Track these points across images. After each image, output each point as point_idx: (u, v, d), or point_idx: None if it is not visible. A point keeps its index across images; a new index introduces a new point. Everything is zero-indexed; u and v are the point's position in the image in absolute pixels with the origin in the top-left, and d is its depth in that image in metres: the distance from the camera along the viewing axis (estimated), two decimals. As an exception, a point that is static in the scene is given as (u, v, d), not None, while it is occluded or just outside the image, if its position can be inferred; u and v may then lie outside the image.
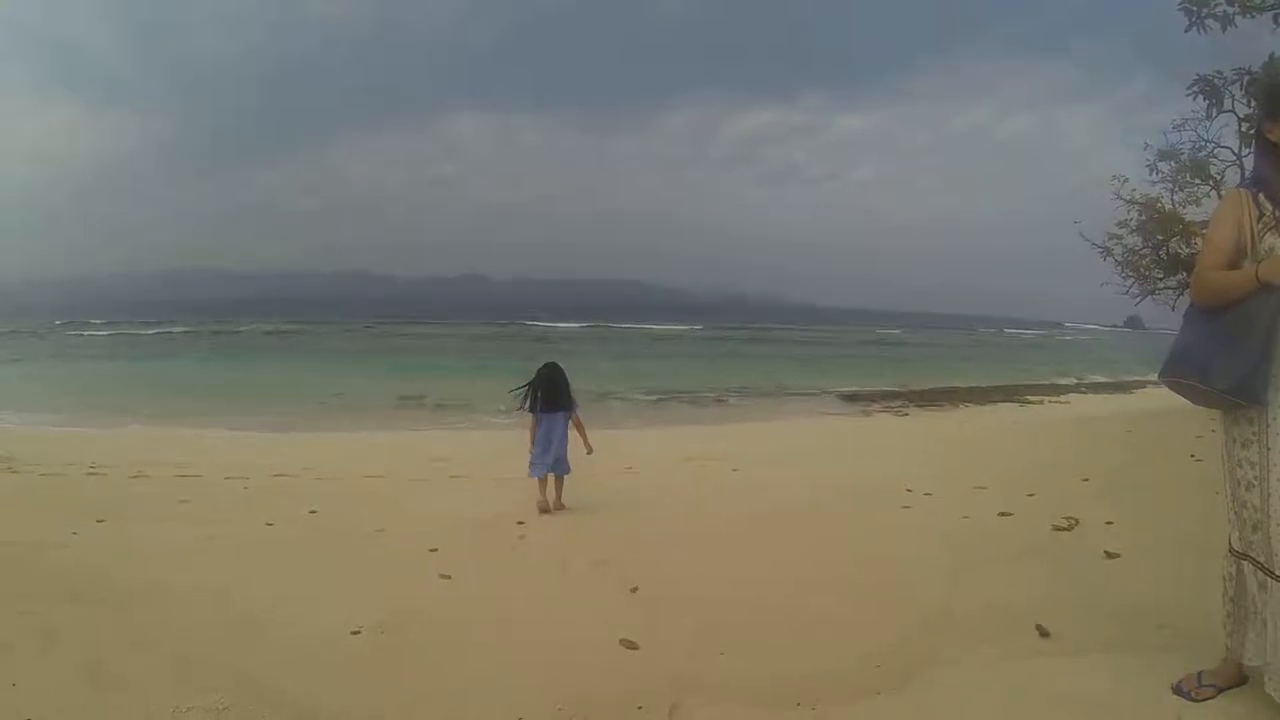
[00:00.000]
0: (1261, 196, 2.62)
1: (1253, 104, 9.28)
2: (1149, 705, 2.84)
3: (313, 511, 6.32)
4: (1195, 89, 10.70)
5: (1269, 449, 2.56)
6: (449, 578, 4.61)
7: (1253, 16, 8.97)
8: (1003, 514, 5.97)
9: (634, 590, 4.37)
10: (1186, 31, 9.13)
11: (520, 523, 6.03)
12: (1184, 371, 2.67)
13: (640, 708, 2.97)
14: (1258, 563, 2.65)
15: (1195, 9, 9.07)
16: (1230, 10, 8.97)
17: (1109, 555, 4.76)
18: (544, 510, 6.46)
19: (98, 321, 51.87)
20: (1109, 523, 5.51)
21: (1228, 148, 14.48)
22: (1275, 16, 8.84)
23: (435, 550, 5.17)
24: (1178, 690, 2.87)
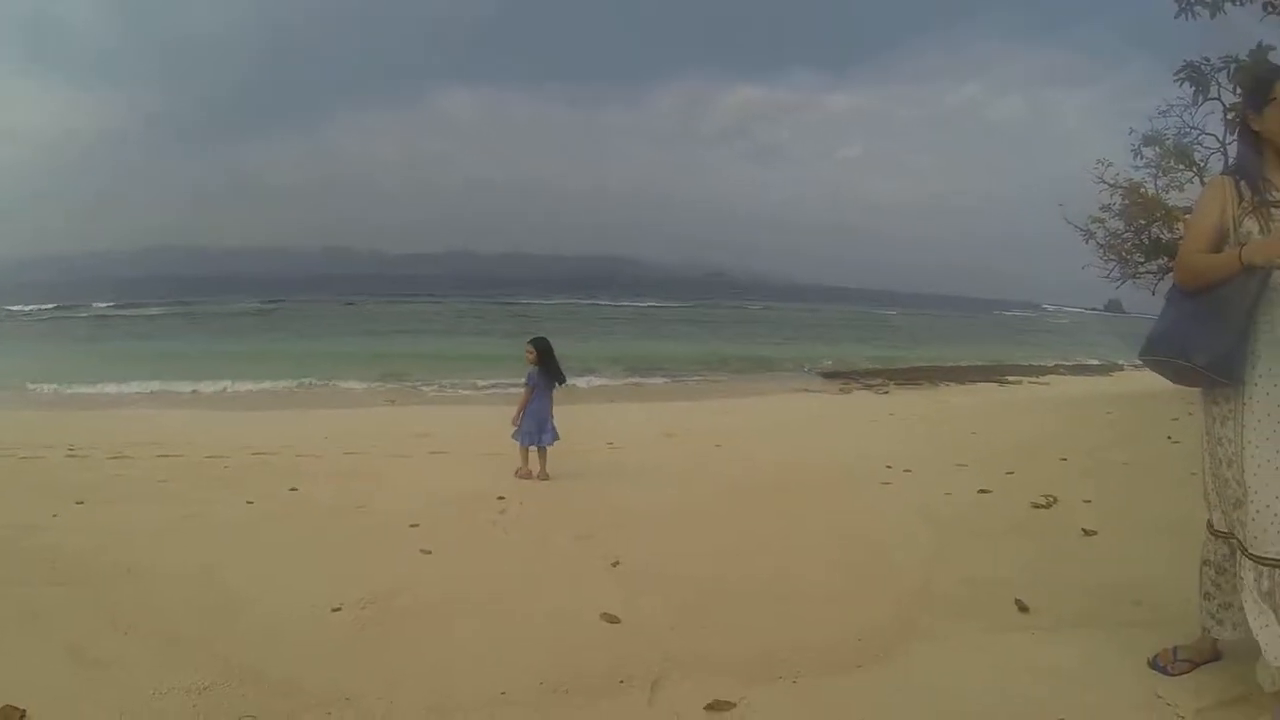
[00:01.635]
0: (1243, 183, 2.66)
1: (1238, 91, 9.30)
2: (1126, 679, 2.89)
3: (293, 489, 6.29)
4: (1182, 75, 10.72)
5: (1244, 426, 2.60)
6: (430, 553, 4.61)
7: (1242, 4, 8.98)
8: (982, 491, 6.04)
9: (615, 565, 4.38)
10: (1176, 17, 9.13)
11: (501, 498, 6.03)
12: (1164, 350, 2.73)
13: (622, 682, 2.97)
14: (1240, 540, 2.68)
15: None
16: None
17: (1087, 533, 4.84)
18: (525, 477, 6.69)
19: (48, 306, 50.51)
20: (1087, 501, 5.60)
21: (1212, 135, 14.66)
22: (1265, 5, 8.85)
23: (416, 526, 5.16)
24: (1153, 664, 2.94)
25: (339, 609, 3.69)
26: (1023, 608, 3.63)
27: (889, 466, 7.07)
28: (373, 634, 3.46)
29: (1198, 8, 9.02)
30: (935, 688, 2.89)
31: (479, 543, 4.98)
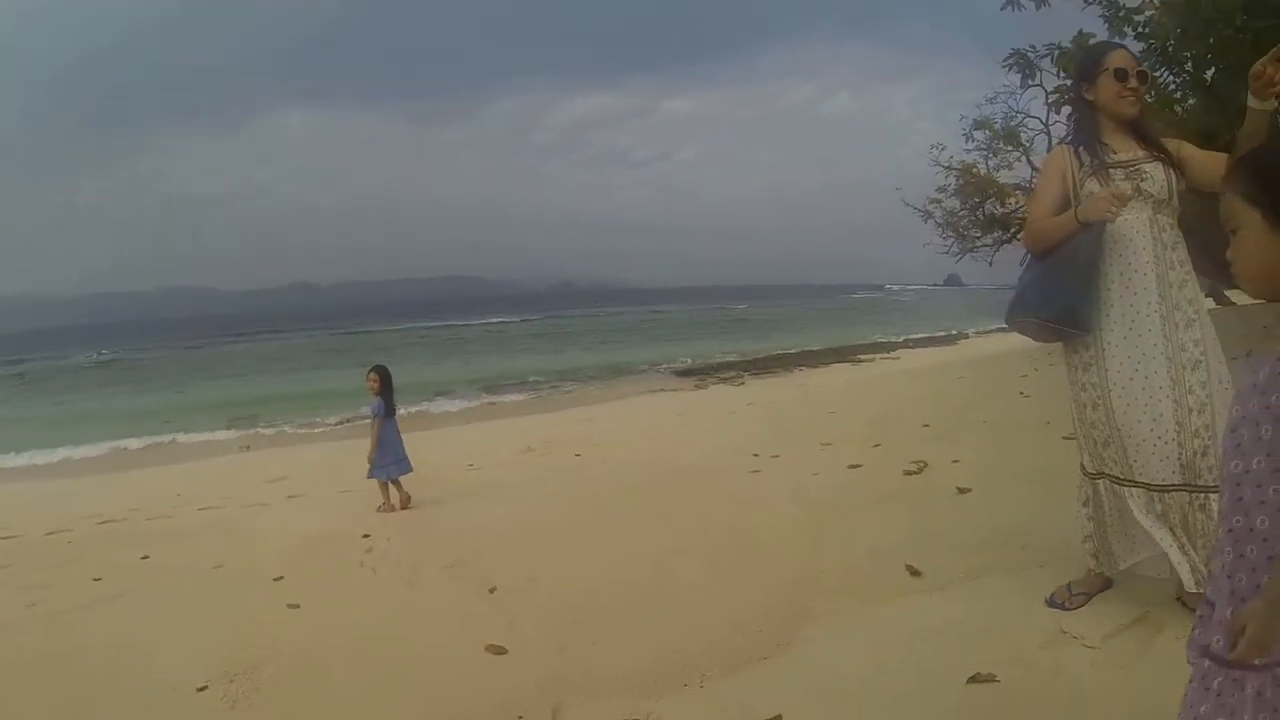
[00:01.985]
0: (1081, 149, 2.93)
1: (1061, 75, 10.16)
2: (1029, 620, 2.99)
3: (145, 557, 5.74)
4: (1011, 61, 11.68)
5: (1106, 370, 2.81)
6: (298, 607, 4.28)
7: None
8: (853, 466, 6.17)
9: (492, 591, 4.21)
10: (1002, 9, 9.87)
11: (366, 535, 5.74)
12: (1021, 311, 2.95)
13: (521, 717, 2.83)
14: (1114, 477, 2.87)
15: None
16: None
17: (961, 491, 5.01)
18: (388, 511, 6.56)
19: None
20: (955, 461, 5.82)
21: (1036, 117, 16.48)
22: None
23: (280, 579, 4.81)
24: (1051, 603, 3.07)
25: (205, 687, 3.34)
26: (914, 572, 3.70)
27: (755, 455, 7.12)
28: (245, 709, 3.16)
29: (1024, 1, 9.74)
30: (845, 667, 2.88)
31: (348, 587, 4.69)
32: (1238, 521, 1.50)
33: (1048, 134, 15.76)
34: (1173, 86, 8.44)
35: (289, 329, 79.17)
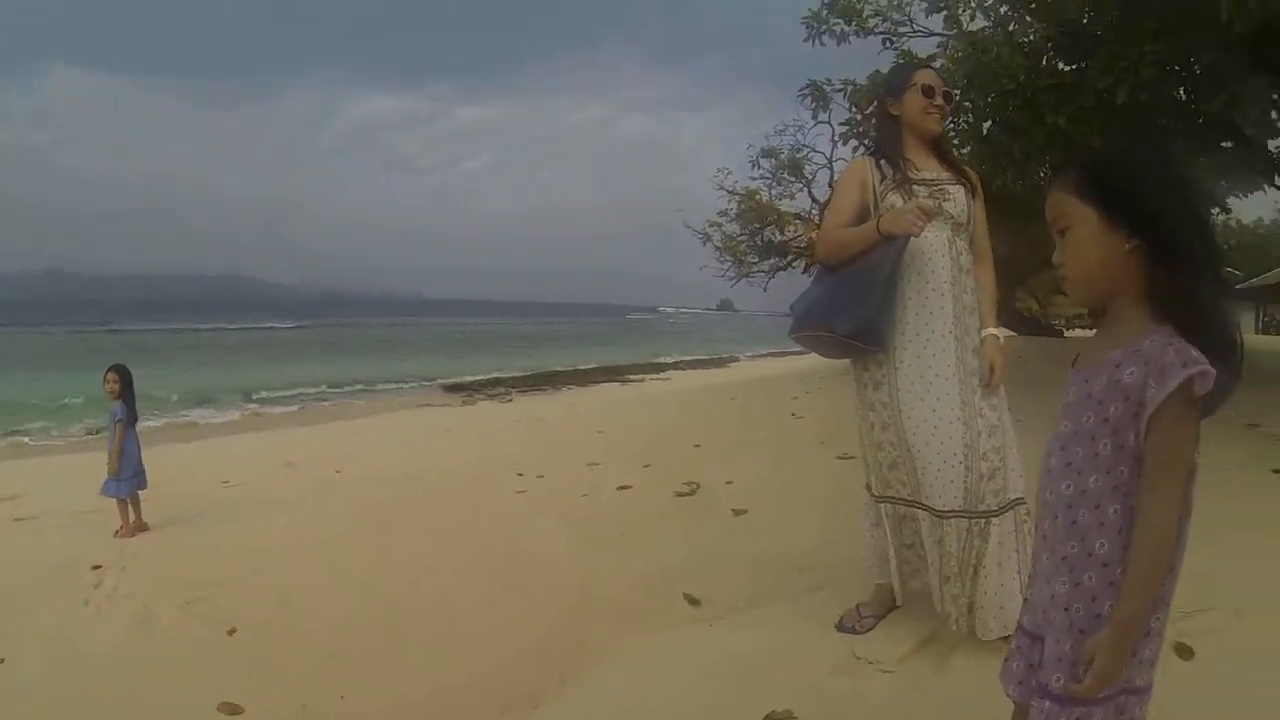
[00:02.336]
0: (884, 162, 2.92)
1: (852, 109, 10.98)
2: (818, 646, 2.89)
3: None
4: (806, 91, 12.42)
5: (898, 389, 2.78)
6: (1, 662, 3.60)
7: (864, 37, 10.43)
8: (622, 487, 6.05)
9: (232, 632, 3.69)
10: (805, 41, 10.65)
11: (97, 567, 4.89)
12: (812, 323, 2.87)
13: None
14: (902, 499, 2.85)
15: (816, 25, 10.53)
16: (847, 29, 10.43)
17: (736, 513, 4.98)
18: (129, 535, 5.78)
19: None
20: (729, 483, 5.82)
21: (821, 152, 17.85)
22: (884, 40, 10.51)
23: None
24: (841, 628, 3.00)
25: None
26: (692, 600, 3.57)
27: (520, 474, 6.88)
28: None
29: (825, 36, 10.43)
30: (625, 709, 2.67)
31: (67, 632, 3.91)
32: (1073, 548, 1.43)
33: (830, 169, 17.24)
34: (952, 134, 9.06)
35: (38, 322, 71.82)
